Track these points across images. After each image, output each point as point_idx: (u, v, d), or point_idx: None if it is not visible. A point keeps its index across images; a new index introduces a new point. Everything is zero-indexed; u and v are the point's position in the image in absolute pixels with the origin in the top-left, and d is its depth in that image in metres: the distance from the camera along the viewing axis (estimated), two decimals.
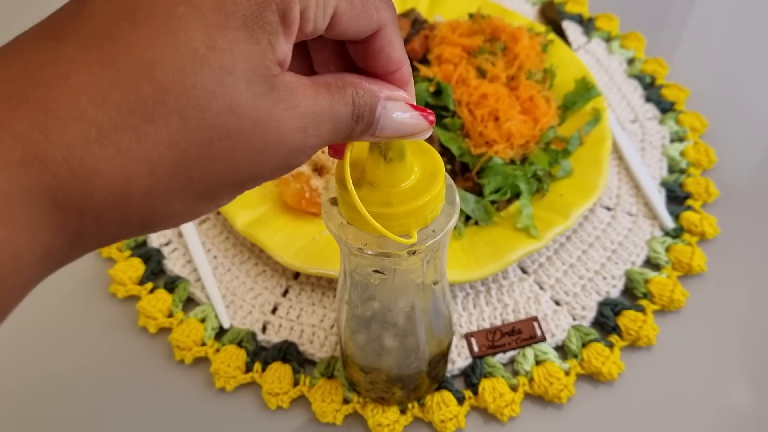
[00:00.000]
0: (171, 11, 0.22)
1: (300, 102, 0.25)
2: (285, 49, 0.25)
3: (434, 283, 0.41)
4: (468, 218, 0.62)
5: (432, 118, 0.31)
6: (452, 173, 0.64)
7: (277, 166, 0.26)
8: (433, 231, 0.34)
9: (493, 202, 0.63)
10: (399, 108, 0.30)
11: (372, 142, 0.32)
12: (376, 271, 0.37)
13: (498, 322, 0.59)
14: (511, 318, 0.59)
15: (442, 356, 0.51)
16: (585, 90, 0.71)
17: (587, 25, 0.85)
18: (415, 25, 0.77)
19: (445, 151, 0.65)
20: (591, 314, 0.59)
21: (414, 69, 0.71)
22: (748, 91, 0.78)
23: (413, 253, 0.34)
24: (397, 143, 0.32)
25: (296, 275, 0.63)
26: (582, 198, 0.63)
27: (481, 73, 0.69)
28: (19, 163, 0.20)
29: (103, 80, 0.21)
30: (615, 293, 0.61)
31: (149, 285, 0.62)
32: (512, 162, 0.64)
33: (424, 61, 0.73)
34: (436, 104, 0.67)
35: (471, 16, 0.78)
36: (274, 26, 0.24)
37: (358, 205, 0.31)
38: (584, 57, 0.81)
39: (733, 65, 0.81)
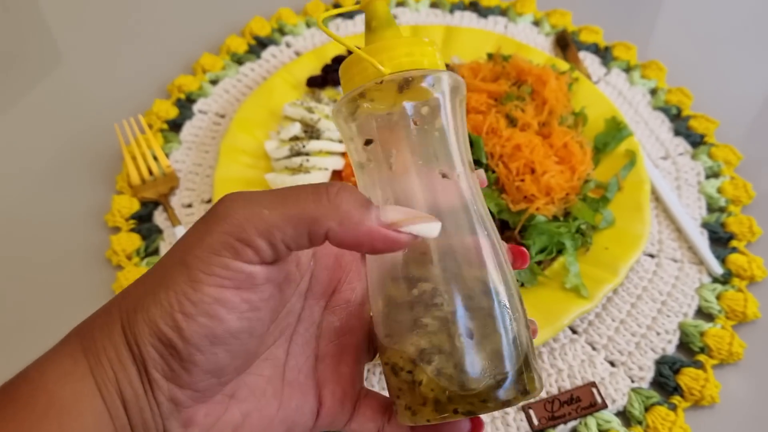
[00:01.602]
0: None
1: None
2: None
3: (443, 175, 0.32)
4: None
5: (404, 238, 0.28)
6: None
7: None
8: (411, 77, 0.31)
9: (538, 263, 0.60)
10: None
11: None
12: (367, 142, 0.32)
13: (554, 390, 0.57)
14: (568, 384, 0.57)
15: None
16: (616, 130, 0.68)
17: (605, 55, 0.83)
18: None
19: None
20: (649, 374, 0.57)
21: None
22: None
23: (381, 92, 0.31)
24: (380, 11, 0.32)
25: None
26: (628, 250, 0.61)
27: (511, 121, 0.66)
28: None
29: None
30: (671, 349, 0.58)
31: None
32: (555, 218, 0.61)
33: None
34: None
35: (490, 56, 0.75)
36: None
37: (334, 36, 0.31)
38: (606, 90, 0.79)
39: (757, 90, 0.79)
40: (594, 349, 0.59)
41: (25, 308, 0.61)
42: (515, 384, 0.30)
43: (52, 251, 0.65)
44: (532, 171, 0.63)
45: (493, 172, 0.64)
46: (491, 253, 0.31)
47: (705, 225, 0.66)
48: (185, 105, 0.78)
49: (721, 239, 0.65)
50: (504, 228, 0.62)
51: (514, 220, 0.61)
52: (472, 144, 0.64)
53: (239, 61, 0.83)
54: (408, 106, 0.31)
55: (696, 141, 0.73)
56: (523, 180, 0.62)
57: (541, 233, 0.59)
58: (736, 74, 0.81)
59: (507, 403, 0.30)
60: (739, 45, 0.85)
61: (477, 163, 0.64)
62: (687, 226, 0.65)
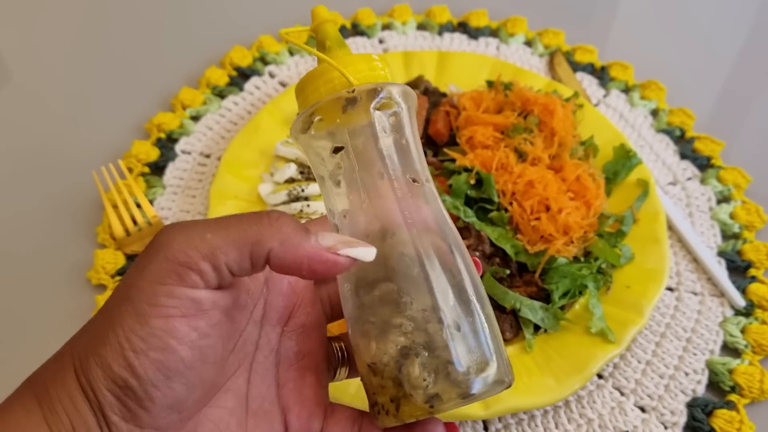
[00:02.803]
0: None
1: None
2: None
3: (413, 180, 0.33)
4: (537, 328, 0.57)
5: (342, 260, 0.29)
6: (510, 276, 0.58)
7: None
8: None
9: (561, 307, 0.57)
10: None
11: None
12: (336, 150, 0.32)
13: None
14: None
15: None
16: (626, 158, 0.66)
17: (601, 75, 0.80)
18: (428, 95, 0.71)
19: (497, 251, 0.59)
20: (682, 419, 0.55)
21: (446, 159, 0.65)
22: None
23: (354, 102, 0.31)
24: (331, 32, 0.33)
25: None
26: (651, 287, 0.58)
27: (520, 155, 0.63)
28: None
29: None
30: (701, 390, 0.56)
31: None
32: (575, 258, 0.59)
33: (451, 142, 0.67)
34: (478, 196, 0.61)
35: (490, 84, 0.72)
36: None
37: (305, 47, 0.33)
38: (606, 113, 0.76)
39: (760, 109, 0.78)
40: (622, 394, 0.56)
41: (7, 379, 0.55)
42: (497, 374, 0.30)
43: (31, 316, 0.60)
44: (547, 208, 0.60)
45: (506, 210, 0.61)
46: (459, 253, 0.32)
47: (721, 254, 0.64)
48: (166, 145, 0.73)
49: (738, 268, 0.64)
50: (522, 271, 0.59)
51: (532, 263, 0.58)
52: (482, 182, 0.61)
53: (221, 94, 0.78)
54: (377, 114, 0.32)
55: (703, 164, 0.71)
56: (538, 219, 0.59)
57: (563, 276, 0.57)
58: (737, 92, 0.80)
59: (489, 393, 0.30)
60: (738, 63, 0.84)
61: (489, 201, 0.61)
62: (705, 257, 0.63)
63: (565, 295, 0.57)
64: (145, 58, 0.83)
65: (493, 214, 0.60)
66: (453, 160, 0.64)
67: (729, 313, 0.61)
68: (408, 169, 0.33)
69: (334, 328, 0.56)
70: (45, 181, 0.70)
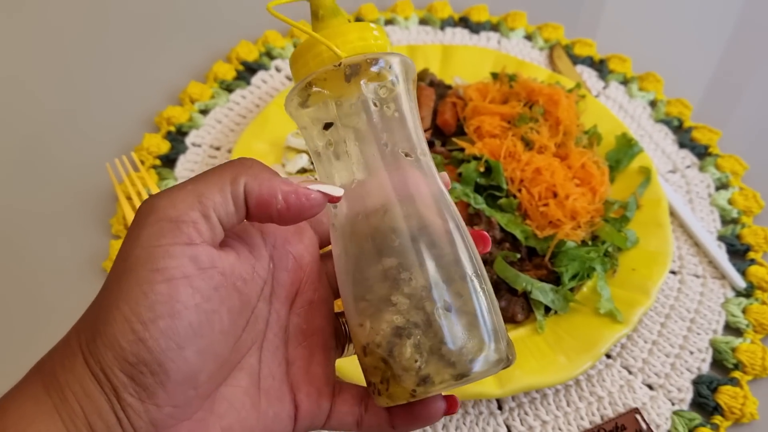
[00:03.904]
0: None
1: None
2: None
3: (406, 155, 0.32)
4: (547, 309, 0.58)
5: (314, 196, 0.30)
6: (521, 261, 0.60)
7: None
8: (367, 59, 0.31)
9: (570, 289, 0.59)
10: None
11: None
12: (326, 126, 0.32)
13: (597, 419, 0.56)
14: (610, 412, 0.56)
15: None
16: (627, 147, 0.68)
17: (600, 68, 0.82)
18: (434, 88, 0.72)
19: (506, 236, 0.61)
20: (688, 395, 0.57)
21: (454, 148, 0.66)
22: None
23: (342, 75, 0.31)
24: (325, 2, 0.32)
25: None
26: (656, 270, 0.60)
27: (526, 144, 0.65)
28: None
29: None
30: (705, 367, 0.58)
31: None
32: (583, 242, 0.60)
33: (459, 132, 0.68)
34: (487, 184, 0.63)
35: (494, 76, 0.73)
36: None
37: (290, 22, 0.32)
38: (606, 104, 0.78)
39: (755, 98, 0.80)
40: (630, 373, 0.58)
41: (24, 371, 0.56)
42: (493, 354, 0.30)
43: (47, 306, 0.61)
44: (554, 195, 0.62)
45: (514, 197, 0.62)
46: (456, 229, 0.32)
47: (721, 238, 0.67)
48: (177, 138, 0.74)
49: (738, 251, 0.66)
50: (532, 255, 0.61)
51: (542, 247, 0.60)
52: (491, 170, 0.63)
53: (228, 88, 0.79)
54: (367, 88, 0.31)
55: (701, 152, 0.74)
56: (546, 204, 0.61)
57: (572, 259, 0.58)
58: (732, 83, 0.82)
59: (486, 373, 0.30)
60: (732, 54, 0.87)
61: (497, 188, 0.63)
62: (705, 241, 0.65)
63: (573, 277, 0.59)
64: (152, 54, 0.84)
65: (502, 200, 0.62)
66: (461, 150, 0.66)
67: (730, 294, 0.63)
68: (402, 143, 0.32)
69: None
70: (59, 174, 0.71)
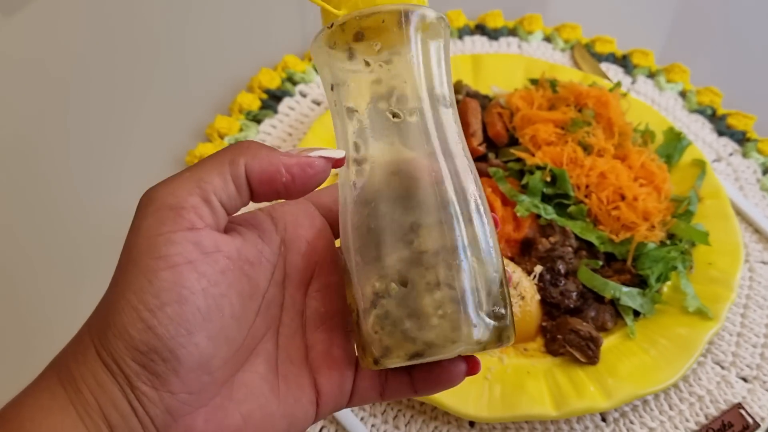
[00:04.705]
0: None
1: None
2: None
3: (439, 101, 0.31)
4: (637, 314, 0.58)
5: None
6: (601, 267, 0.59)
7: None
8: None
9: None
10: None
11: None
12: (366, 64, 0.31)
13: (702, 419, 0.55)
14: (713, 410, 0.56)
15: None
16: (676, 141, 0.68)
17: (624, 63, 0.83)
18: (474, 98, 0.71)
19: (581, 244, 0.60)
20: None
21: (509, 159, 0.65)
22: None
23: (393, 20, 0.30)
24: None
25: (471, 423, 0.55)
26: (732, 262, 0.60)
27: (584, 148, 0.64)
28: None
29: None
30: None
31: None
32: (662, 243, 0.60)
33: (513, 142, 0.67)
34: (554, 193, 0.62)
35: (534, 82, 0.73)
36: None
37: None
38: (638, 98, 0.78)
39: None
40: (723, 368, 0.58)
41: None
42: (466, 335, 0.28)
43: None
44: (622, 197, 0.61)
45: (583, 204, 0.62)
46: (455, 194, 0.30)
47: None
48: None
49: None
50: (609, 260, 0.60)
51: (620, 251, 0.59)
52: (555, 179, 0.62)
53: (256, 119, 0.76)
54: (361, 47, 0.30)
55: (739, 138, 0.74)
56: (617, 208, 0.60)
57: (655, 261, 0.58)
58: (758, 65, 0.84)
59: (452, 353, 0.28)
60: (754, 35, 0.88)
61: (565, 197, 0.62)
62: (765, 226, 0.66)
63: (658, 278, 0.58)
64: (172, 92, 0.80)
65: (572, 208, 0.61)
66: (517, 160, 0.65)
67: None
68: (401, 101, 0.31)
69: None
70: (90, 223, 0.67)
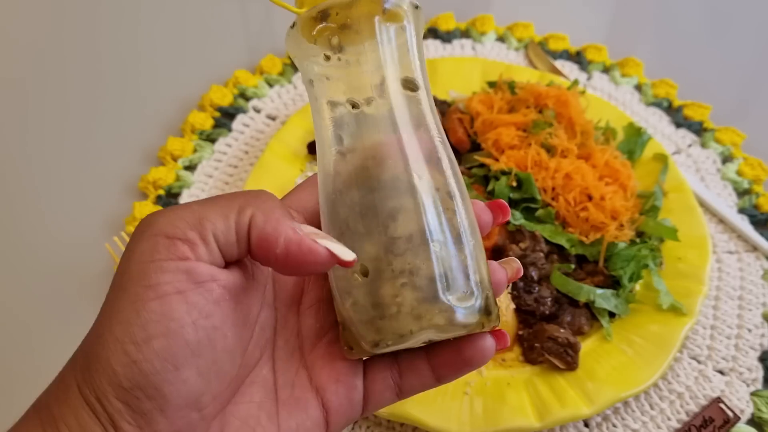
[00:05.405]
0: None
1: None
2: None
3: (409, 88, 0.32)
4: (612, 315, 0.57)
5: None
6: (575, 270, 0.58)
7: None
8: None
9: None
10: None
11: None
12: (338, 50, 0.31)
13: (683, 416, 0.55)
14: (693, 406, 0.55)
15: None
16: (637, 136, 0.68)
17: (579, 60, 0.82)
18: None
19: (552, 248, 0.59)
20: (759, 374, 0.57)
21: (473, 165, 0.64)
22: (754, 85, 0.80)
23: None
24: None
25: None
26: (701, 255, 0.60)
27: (548, 150, 0.63)
28: None
29: None
30: (767, 343, 0.59)
31: None
32: (631, 241, 0.60)
33: (475, 147, 0.66)
34: (520, 197, 0.61)
35: (492, 84, 0.72)
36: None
37: None
38: (595, 94, 0.78)
39: (734, 66, 0.83)
40: (699, 362, 0.58)
41: None
42: (442, 319, 0.28)
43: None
44: (589, 198, 0.61)
45: (549, 206, 0.61)
46: (419, 179, 0.30)
47: (741, 210, 0.68)
48: (169, 202, 0.68)
49: (759, 221, 0.67)
50: (581, 262, 0.60)
51: (591, 253, 0.59)
52: (521, 183, 0.61)
53: (209, 138, 0.74)
54: (325, 39, 0.31)
55: (697, 129, 0.75)
56: (585, 209, 0.60)
57: (626, 260, 0.57)
58: (712, 54, 0.84)
59: (422, 338, 0.28)
60: (703, 24, 0.89)
61: (532, 201, 0.61)
62: (729, 216, 0.66)
63: (630, 278, 0.58)
64: (120, 114, 0.77)
65: (540, 212, 0.60)
66: (480, 166, 0.64)
67: (767, 264, 0.64)
68: (405, 78, 0.31)
69: None
70: (54, 253, 0.63)
